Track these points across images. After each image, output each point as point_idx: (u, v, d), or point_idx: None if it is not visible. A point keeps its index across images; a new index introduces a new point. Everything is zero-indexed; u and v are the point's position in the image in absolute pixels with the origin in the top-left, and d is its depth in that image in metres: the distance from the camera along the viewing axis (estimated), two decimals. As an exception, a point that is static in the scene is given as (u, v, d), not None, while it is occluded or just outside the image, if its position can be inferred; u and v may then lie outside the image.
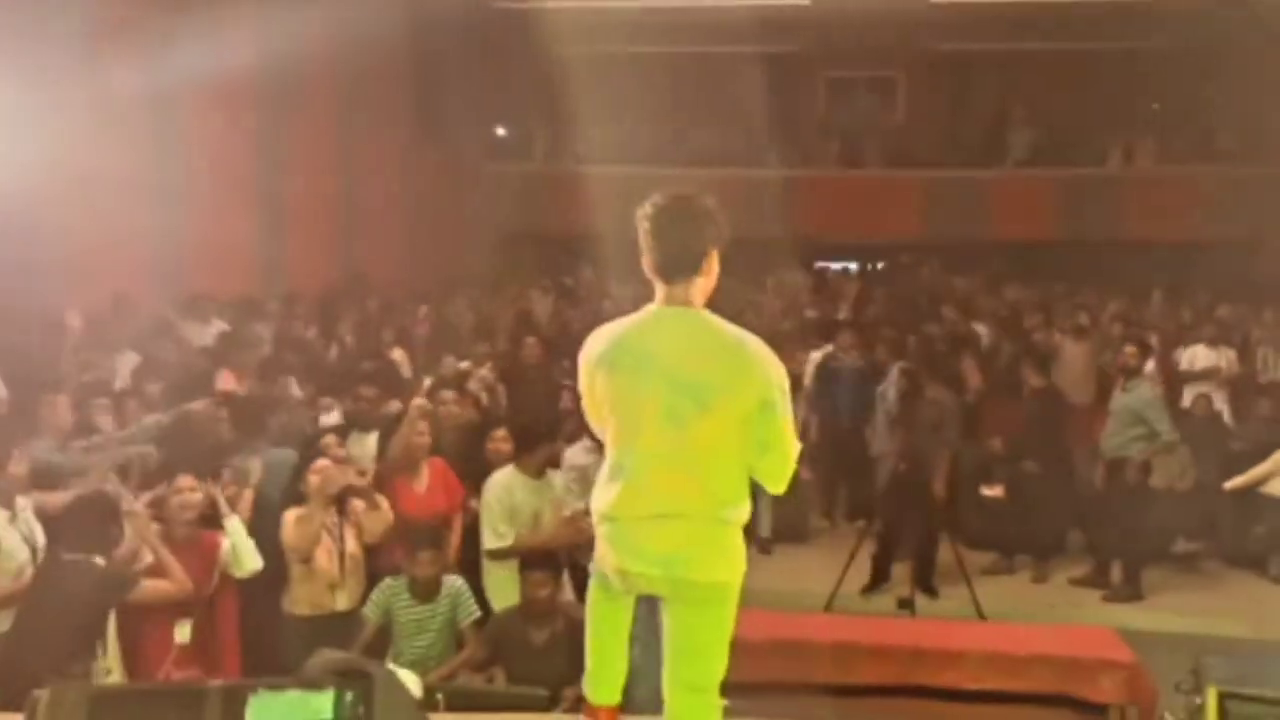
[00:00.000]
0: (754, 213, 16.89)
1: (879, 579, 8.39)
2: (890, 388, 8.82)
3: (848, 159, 18.61)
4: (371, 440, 6.61)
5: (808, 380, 10.56)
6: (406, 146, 15.86)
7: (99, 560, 4.60)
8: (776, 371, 3.10)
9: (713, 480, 3.09)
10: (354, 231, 13.80)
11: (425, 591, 5.43)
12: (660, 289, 3.14)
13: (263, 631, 5.37)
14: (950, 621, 6.81)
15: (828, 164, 18.56)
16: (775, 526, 9.39)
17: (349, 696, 3.08)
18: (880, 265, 18.64)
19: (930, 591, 8.20)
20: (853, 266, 18.96)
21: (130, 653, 4.90)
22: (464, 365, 8.68)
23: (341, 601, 5.48)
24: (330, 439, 5.81)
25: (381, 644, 5.45)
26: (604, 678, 3.38)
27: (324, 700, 3.09)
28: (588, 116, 18.31)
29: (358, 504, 5.54)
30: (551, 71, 16.92)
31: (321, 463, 5.42)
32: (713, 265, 3.17)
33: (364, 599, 5.52)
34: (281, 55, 10.29)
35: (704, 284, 3.17)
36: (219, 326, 8.96)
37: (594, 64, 17.62)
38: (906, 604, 7.53)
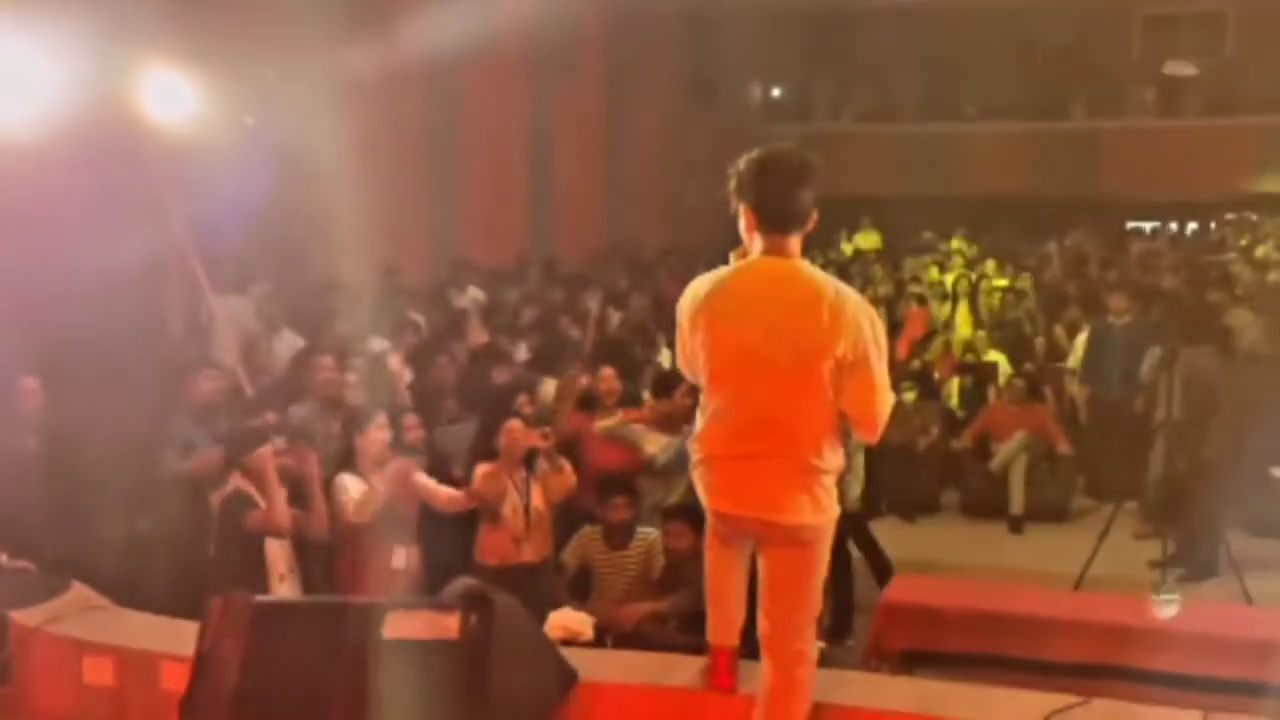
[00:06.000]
0: (1055, 170, 16.06)
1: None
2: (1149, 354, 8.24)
3: (1165, 107, 17.22)
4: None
5: (1079, 350, 9.99)
6: (676, 113, 15.87)
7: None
8: (870, 325, 3.16)
9: (803, 425, 3.18)
10: (621, 199, 14.07)
11: (618, 538, 5.64)
12: (761, 241, 3.24)
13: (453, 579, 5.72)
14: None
15: (1143, 113, 17.29)
16: (1032, 505, 8.99)
17: (473, 619, 3.44)
18: (1196, 225, 17.16)
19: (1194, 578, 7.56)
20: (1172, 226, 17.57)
21: (349, 577, 5.35)
22: None
23: (527, 553, 5.70)
24: (522, 398, 6.09)
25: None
26: (721, 620, 3.49)
27: (451, 620, 3.46)
28: (872, 73, 17.81)
29: (543, 464, 5.81)
30: (831, 29, 16.52)
31: (512, 423, 5.68)
32: (812, 218, 3.24)
33: (553, 552, 5.79)
34: (552, 25, 10.63)
35: (801, 236, 3.25)
36: (475, 294, 9.44)
37: (879, 18, 17.12)
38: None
